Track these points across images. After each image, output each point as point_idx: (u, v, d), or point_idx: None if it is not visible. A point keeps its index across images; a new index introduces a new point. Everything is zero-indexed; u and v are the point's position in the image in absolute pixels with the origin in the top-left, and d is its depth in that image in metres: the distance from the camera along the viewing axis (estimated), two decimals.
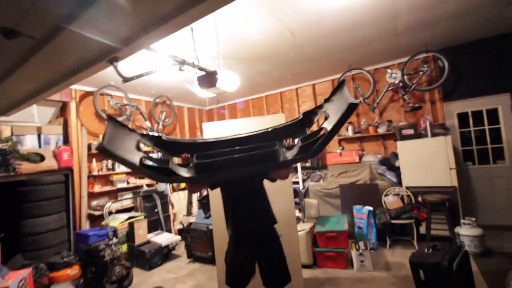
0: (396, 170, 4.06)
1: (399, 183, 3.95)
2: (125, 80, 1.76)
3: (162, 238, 4.01)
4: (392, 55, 4.37)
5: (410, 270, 2.01)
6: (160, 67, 2.09)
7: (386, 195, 3.87)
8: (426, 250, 2.05)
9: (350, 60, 4.41)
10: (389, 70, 4.36)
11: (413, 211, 3.50)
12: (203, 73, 2.36)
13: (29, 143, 3.77)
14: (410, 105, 4.27)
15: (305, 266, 3.09)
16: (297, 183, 4.57)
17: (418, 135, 3.96)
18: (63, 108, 4.30)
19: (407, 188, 3.82)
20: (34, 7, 1.08)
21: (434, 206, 3.47)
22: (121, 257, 3.20)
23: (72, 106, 4.26)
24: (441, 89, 4.24)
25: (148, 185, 4.93)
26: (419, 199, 3.72)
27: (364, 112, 4.91)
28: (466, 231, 3.15)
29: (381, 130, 4.52)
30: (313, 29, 3.21)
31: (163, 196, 4.75)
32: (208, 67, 2.65)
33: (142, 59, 3.12)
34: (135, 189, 4.77)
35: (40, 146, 3.85)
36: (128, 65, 2.83)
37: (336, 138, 5.08)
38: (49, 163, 3.71)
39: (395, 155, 4.18)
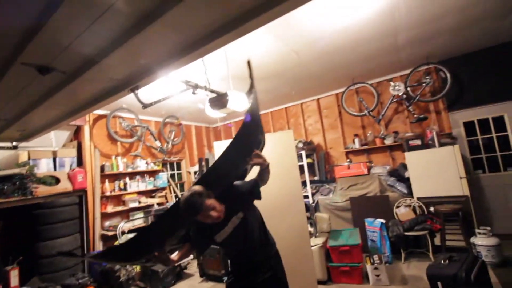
0: (406, 181, 4.06)
1: (410, 194, 3.95)
2: (145, 106, 1.88)
3: None
4: (394, 68, 4.48)
5: (428, 282, 2.00)
6: (175, 91, 2.20)
7: (397, 207, 3.85)
8: (442, 262, 2.05)
9: (353, 75, 4.53)
10: (392, 83, 4.45)
11: (426, 222, 3.47)
12: (214, 95, 2.48)
13: (44, 166, 3.89)
14: (415, 116, 4.33)
15: (320, 282, 3.06)
16: (307, 197, 4.58)
17: (425, 145, 3.98)
18: (77, 131, 4.46)
19: (419, 199, 3.81)
20: (71, 45, 1.20)
21: (447, 216, 3.45)
22: (135, 277, 3.22)
23: (86, 129, 4.42)
24: (445, 99, 4.30)
25: (158, 204, 5.00)
26: (431, 209, 3.69)
27: (370, 124, 4.97)
28: (482, 241, 3.11)
29: (388, 141, 4.56)
30: (316, 48, 3.35)
31: None
32: (218, 88, 2.78)
33: (156, 84, 3.27)
34: (146, 208, 4.84)
35: (55, 169, 3.97)
36: (142, 90, 2.99)
37: (343, 150, 5.13)
38: (64, 185, 3.81)
39: (404, 166, 4.20)
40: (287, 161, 2.70)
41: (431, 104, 4.44)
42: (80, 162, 4.30)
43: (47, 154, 3.96)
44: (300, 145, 4.93)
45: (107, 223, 4.38)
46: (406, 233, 3.47)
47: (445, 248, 3.39)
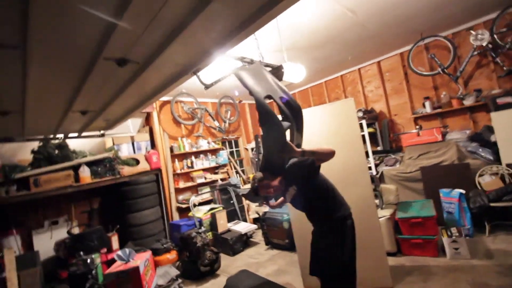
0: (492, 146, 3.50)
1: (497, 160, 3.41)
2: (207, 87, 1.98)
3: (241, 227, 4.34)
4: (474, 13, 3.73)
5: None
6: (231, 70, 2.24)
7: (481, 175, 3.39)
8: None
9: (422, 28, 3.93)
10: (473, 32, 3.75)
11: None
12: (268, 69, 2.45)
13: (125, 150, 4.49)
14: (505, 68, 3.61)
15: (389, 254, 2.96)
16: (370, 168, 4.35)
17: None
18: (148, 118, 4.98)
19: (508, 165, 3.27)
20: (141, 38, 1.31)
21: None
22: (209, 244, 3.59)
23: (154, 115, 4.90)
24: None
25: (222, 179, 5.37)
26: None
27: (444, 83, 4.33)
28: None
29: (468, 102, 3.93)
30: (376, 1, 2.98)
31: (236, 188, 5.10)
32: (271, 61, 2.74)
33: (212, 66, 3.39)
34: (211, 183, 5.25)
35: (134, 152, 4.56)
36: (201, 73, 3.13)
37: (411, 116, 4.64)
38: (143, 165, 4.35)
39: (490, 129, 3.61)
40: (349, 132, 2.57)
41: None
42: (152, 144, 4.84)
43: (126, 139, 4.55)
44: (360, 114, 4.62)
45: (180, 197, 4.92)
46: (492, 204, 3.06)
47: None
